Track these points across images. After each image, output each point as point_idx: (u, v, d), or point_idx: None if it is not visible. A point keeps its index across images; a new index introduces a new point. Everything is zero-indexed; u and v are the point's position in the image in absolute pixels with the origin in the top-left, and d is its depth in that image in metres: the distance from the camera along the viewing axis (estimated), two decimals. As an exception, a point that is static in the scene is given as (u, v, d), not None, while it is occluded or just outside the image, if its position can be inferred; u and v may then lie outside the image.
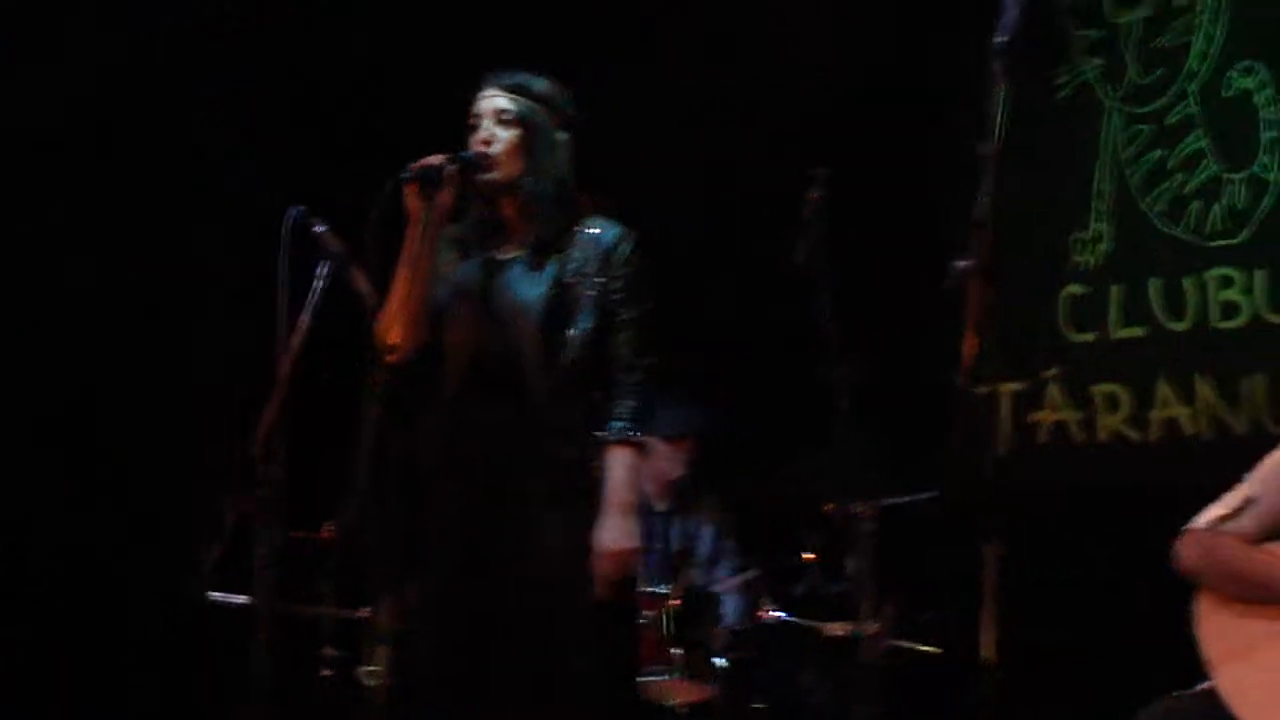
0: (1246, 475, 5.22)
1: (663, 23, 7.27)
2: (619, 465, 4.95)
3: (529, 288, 5.02)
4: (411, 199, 4.92)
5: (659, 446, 6.84)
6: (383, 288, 5.08)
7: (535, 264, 5.05)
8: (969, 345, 4.05)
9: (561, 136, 5.08)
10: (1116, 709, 5.06)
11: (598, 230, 5.07)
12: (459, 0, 7.39)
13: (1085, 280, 6.89)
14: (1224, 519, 5.15)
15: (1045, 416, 6.96)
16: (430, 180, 4.92)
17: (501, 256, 5.08)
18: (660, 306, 5.10)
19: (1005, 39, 4.18)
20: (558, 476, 4.96)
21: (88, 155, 6.93)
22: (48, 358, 6.82)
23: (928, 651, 6.26)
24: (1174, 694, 5.06)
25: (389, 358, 4.94)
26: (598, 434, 4.97)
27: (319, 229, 5.83)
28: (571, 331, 4.98)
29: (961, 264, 4.13)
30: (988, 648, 4.13)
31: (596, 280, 5.01)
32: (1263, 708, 4.92)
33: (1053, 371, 6.91)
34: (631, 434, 4.97)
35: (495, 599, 4.94)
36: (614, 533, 4.90)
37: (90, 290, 6.91)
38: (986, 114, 4.12)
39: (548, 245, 5.04)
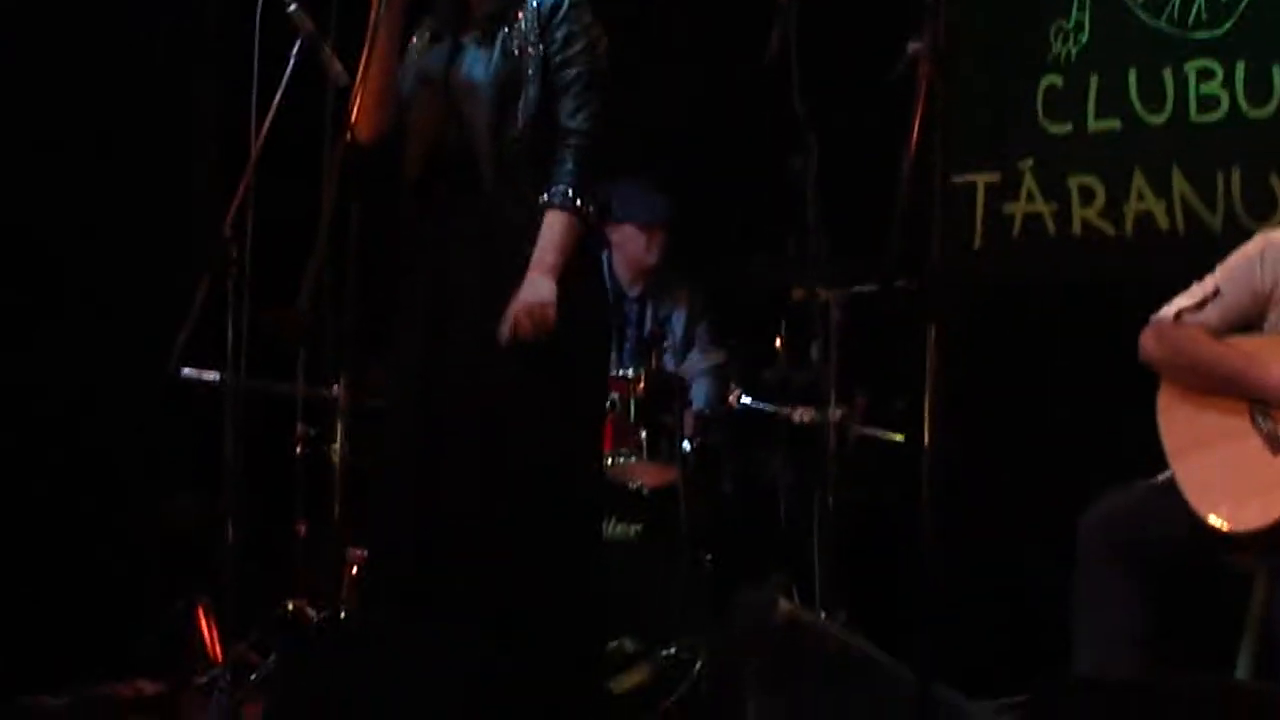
0: (1214, 267, 5.31)
1: None
2: (550, 228, 4.92)
3: (481, 66, 5.00)
4: None
5: (632, 232, 6.86)
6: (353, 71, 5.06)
7: (486, 41, 5.03)
8: (917, 123, 4.07)
9: None
10: (1082, 495, 5.12)
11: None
12: None
13: (1061, 71, 6.85)
14: (1188, 311, 5.20)
15: (1019, 208, 6.94)
16: None
17: (464, 39, 5.05)
18: (635, 95, 5.11)
19: None
20: (497, 250, 4.97)
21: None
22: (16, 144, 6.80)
23: (893, 439, 6.33)
24: (1135, 482, 5.16)
25: (351, 138, 4.92)
26: (542, 197, 4.94)
27: (291, 7, 5.82)
28: (520, 103, 4.96)
29: (913, 47, 4.14)
30: (930, 431, 4.18)
31: (539, 46, 4.97)
32: (1219, 497, 4.99)
33: (1026, 164, 6.91)
34: (569, 199, 4.93)
35: (456, 377, 4.98)
36: (529, 289, 4.88)
37: (66, 70, 6.87)
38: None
39: (498, 19, 5.01)
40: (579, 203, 4.94)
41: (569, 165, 4.94)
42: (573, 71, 4.97)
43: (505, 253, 4.97)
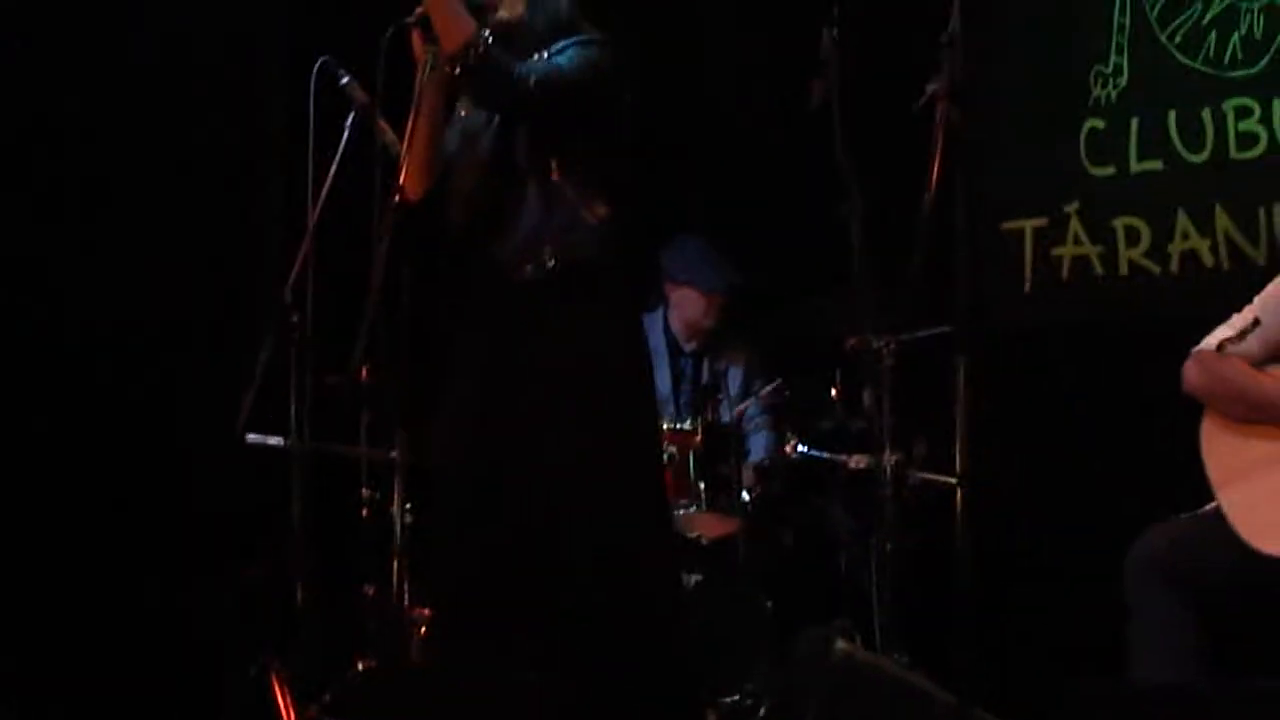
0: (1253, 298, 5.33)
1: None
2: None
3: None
4: (416, 44, 4.95)
5: (692, 295, 6.91)
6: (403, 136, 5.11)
7: None
8: (936, 164, 4.11)
9: None
10: (1131, 528, 5.15)
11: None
12: None
13: (1103, 114, 6.87)
14: (1229, 341, 5.22)
15: (1067, 251, 6.95)
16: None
17: None
18: (692, 160, 5.11)
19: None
20: (539, 303, 4.98)
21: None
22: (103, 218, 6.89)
23: (949, 483, 6.34)
24: (1181, 515, 5.17)
25: (396, 201, 4.98)
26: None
27: (345, 81, 5.91)
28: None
29: (932, 85, 4.17)
30: (962, 465, 4.20)
31: None
32: (1265, 528, 5.00)
33: (1071, 207, 6.92)
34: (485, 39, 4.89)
35: (507, 431, 4.98)
36: None
37: (133, 145, 6.96)
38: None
39: None
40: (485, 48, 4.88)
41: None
42: (570, 54, 4.98)
43: (547, 303, 4.99)
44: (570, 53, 4.97)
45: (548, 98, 4.92)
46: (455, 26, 4.85)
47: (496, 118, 5.06)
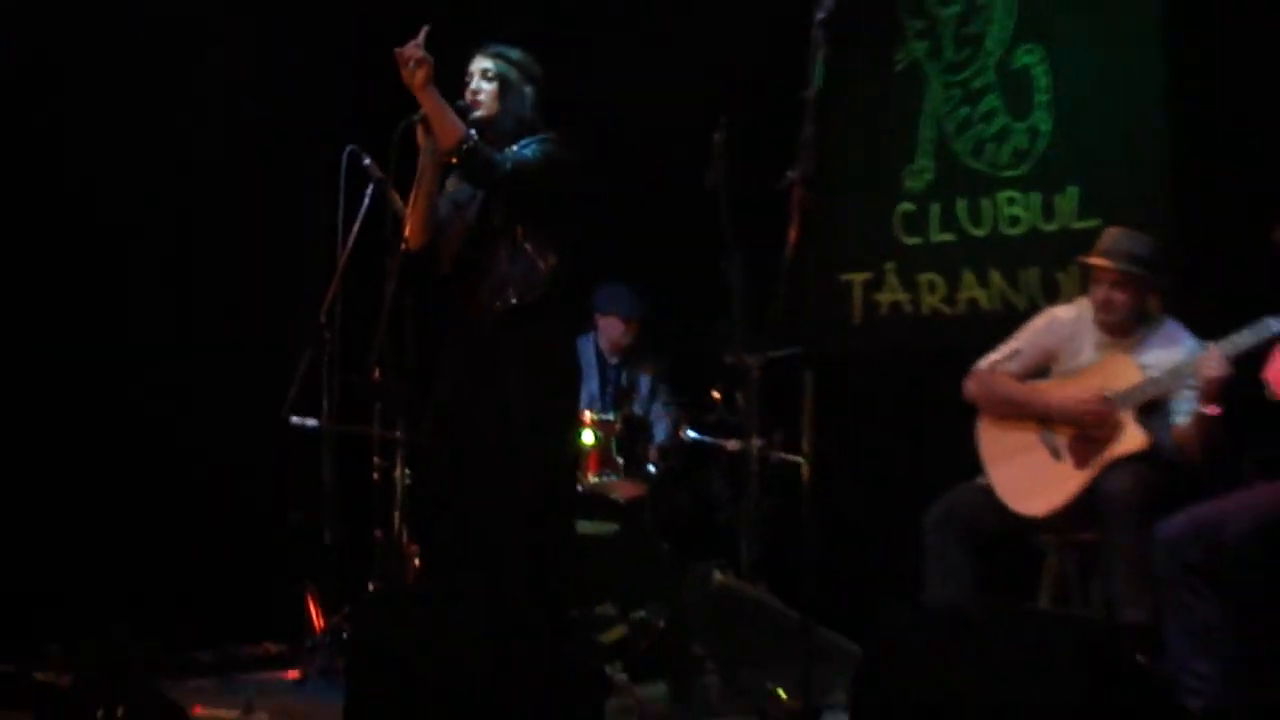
0: (1016, 331, 5.39)
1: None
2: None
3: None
4: (419, 136, 4.96)
5: (615, 322, 6.86)
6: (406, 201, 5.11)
7: None
8: (794, 230, 4.13)
9: (528, 89, 5.07)
10: (924, 494, 5.22)
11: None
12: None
13: (913, 200, 6.86)
14: (998, 363, 5.31)
15: (885, 297, 6.96)
16: None
17: None
18: (615, 222, 5.06)
19: (822, 16, 4.21)
20: (506, 329, 4.96)
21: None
22: (191, 266, 6.89)
23: (798, 461, 6.33)
24: (961, 485, 5.22)
25: (404, 249, 4.99)
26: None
27: (366, 162, 5.93)
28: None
29: (792, 171, 4.18)
30: (807, 450, 4.22)
31: None
32: (1020, 493, 5.10)
33: (889, 265, 6.93)
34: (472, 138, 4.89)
35: (479, 426, 4.98)
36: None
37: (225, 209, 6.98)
38: (809, 68, 4.16)
39: None
40: (474, 144, 4.87)
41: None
42: (534, 148, 4.98)
43: (512, 329, 4.96)
44: (534, 148, 4.98)
45: (518, 181, 4.93)
46: (449, 129, 4.86)
47: (480, 192, 5.05)
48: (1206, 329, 4.95)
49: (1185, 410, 4.89)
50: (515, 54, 5.10)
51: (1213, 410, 4.75)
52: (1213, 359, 4.71)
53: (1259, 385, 4.49)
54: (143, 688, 4.41)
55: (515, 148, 4.98)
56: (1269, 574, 4.02)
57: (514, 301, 4.97)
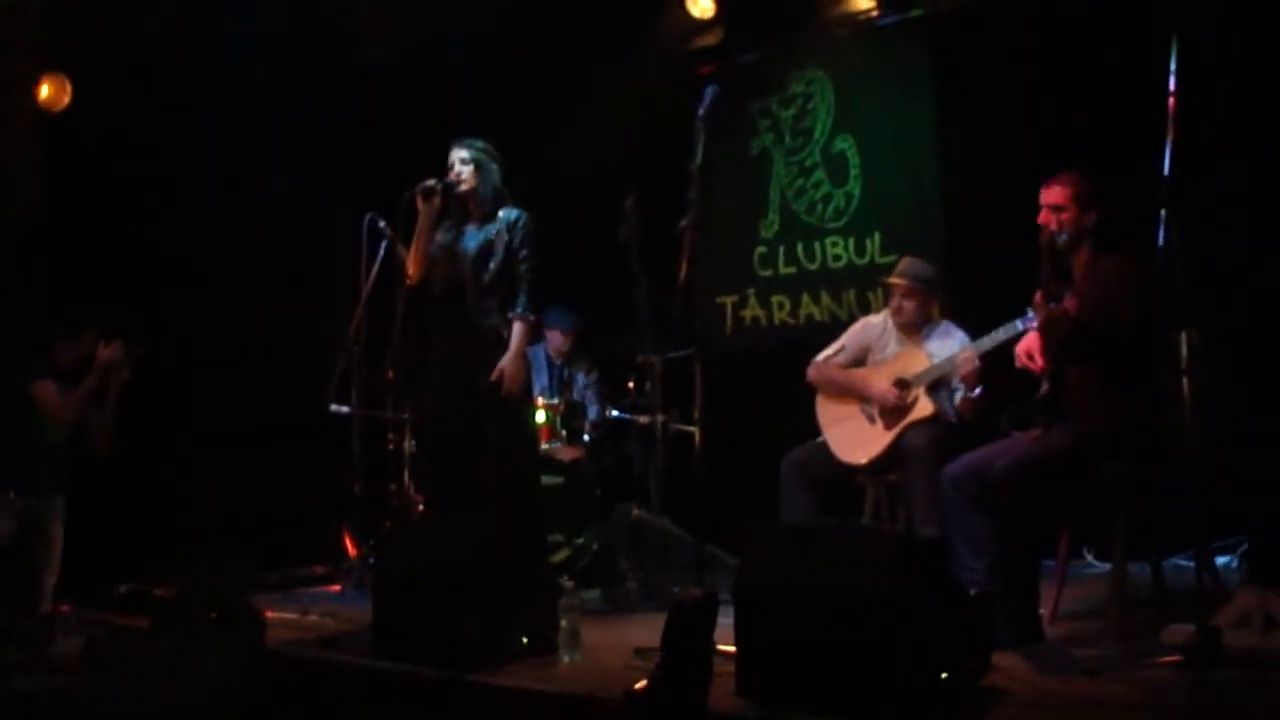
0: (841, 334, 5.40)
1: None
2: (516, 330, 4.87)
3: (472, 243, 4.97)
4: (419, 202, 4.91)
5: (557, 334, 6.74)
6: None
7: (477, 230, 4.99)
8: (684, 265, 4.13)
9: (495, 167, 5.01)
10: (779, 451, 5.17)
11: (506, 213, 4.98)
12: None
13: (766, 244, 6.89)
14: (830, 357, 5.31)
15: (747, 313, 6.96)
16: (428, 192, 4.91)
17: (465, 228, 5.02)
18: (553, 260, 5.03)
19: (702, 113, 4.26)
20: (484, 340, 4.89)
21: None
22: (256, 304, 6.76)
23: (692, 430, 6.30)
24: (805, 442, 5.22)
25: (407, 283, 4.94)
26: (509, 314, 4.89)
27: (381, 224, 5.86)
28: (491, 264, 4.93)
29: (682, 222, 4.19)
30: (699, 424, 4.24)
31: (506, 236, 4.94)
32: (847, 448, 5.09)
33: (750, 290, 6.94)
34: (524, 314, 4.88)
35: (462, 408, 4.88)
36: (509, 363, 4.83)
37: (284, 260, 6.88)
38: (694, 150, 4.20)
39: (483, 221, 5.00)
40: (530, 316, 4.92)
41: (523, 296, 4.89)
42: (524, 251, 4.93)
43: (488, 338, 4.90)
44: (527, 252, 4.93)
45: (538, 276, 4.93)
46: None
47: (476, 254, 4.94)
48: (972, 326, 5.00)
49: (962, 387, 4.92)
50: (481, 143, 5.04)
51: (975, 393, 4.83)
52: (968, 358, 4.78)
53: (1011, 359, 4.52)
54: (233, 598, 4.34)
55: (522, 253, 4.93)
56: (1021, 498, 4.03)
57: (487, 321, 4.93)
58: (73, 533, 5.41)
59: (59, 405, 5.39)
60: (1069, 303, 4.11)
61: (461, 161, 5.00)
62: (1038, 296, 4.15)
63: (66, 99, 6.37)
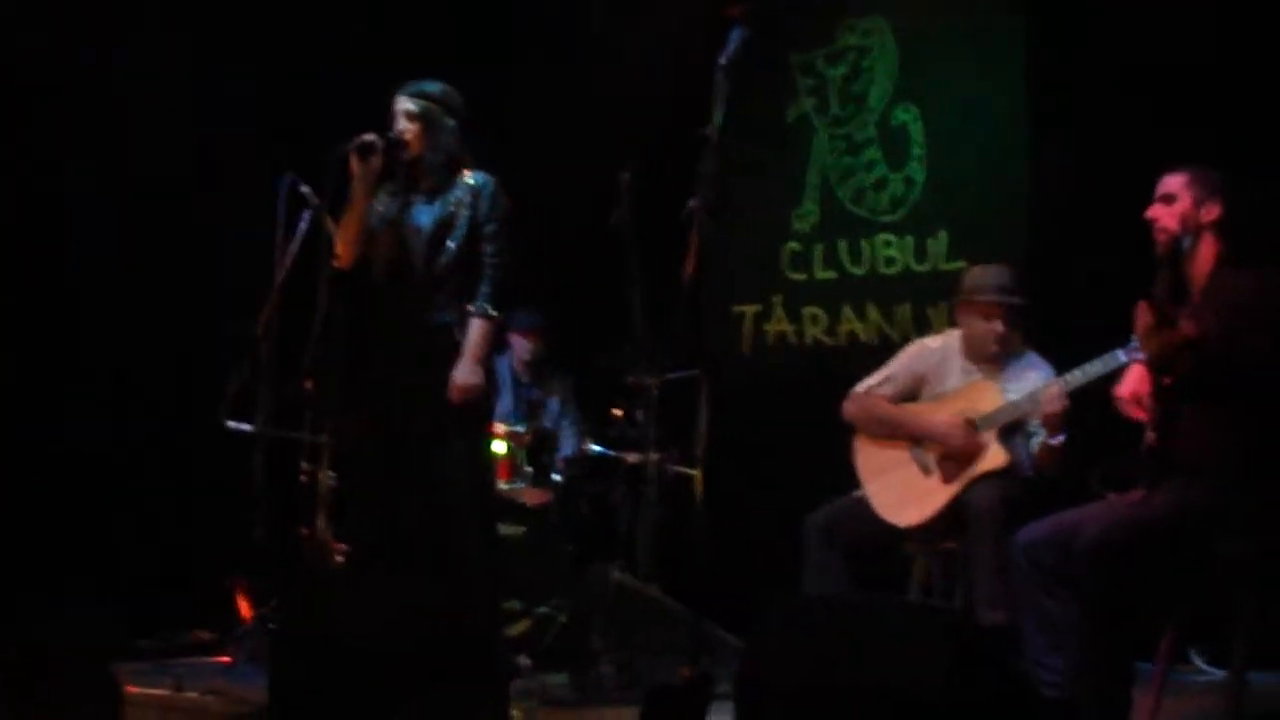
0: (890, 360, 5.40)
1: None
2: (475, 329, 4.89)
3: (424, 217, 4.99)
4: (354, 162, 4.91)
5: (518, 338, 6.78)
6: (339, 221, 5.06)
7: (428, 202, 5.02)
8: (692, 261, 4.07)
9: (450, 123, 5.01)
10: (803, 506, 5.19)
11: (472, 179, 5.01)
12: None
13: (800, 240, 6.91)
14: (873, 387, 5.32)
15: (771, 327, 6.98)
16: (366, 149, 4.91)
17: (410, 198, 5.03)
18: (527, 248, 5.05)
19: (724, 61, 4.18)
20: (435, 342, 4.90)
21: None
22: (137, 282, 6.74)
23: (692, 473, 6.30)
24: (839, 498, 5.21)
25: (336, 265, 4.94)
26: (467, 307, 4.91)
27: (304, 189, 5.82)
28: (450, 244, 4.95)
29: (691, 202, 4.15)
30: (702, 465, 4.19)
31: (469, 209, 4.96)
32: (893, 505, 5.11)
33: (777, 298, 6.96)
34: (486, 310, 4.90)
35: (400, 431, 4.92)
36: (464, 372, 4.86)
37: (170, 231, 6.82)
38: (711, 109, 4.13)
39: (436, 190, 5.01)
40: (494, 313, 4.94)
41: (486, 287, 4.92)
42: (492, 227, 4.96)
43: (439, 339, 4.92)
44: (497, 217, 4.97)
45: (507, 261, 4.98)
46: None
47: (431, 232, 4.98)
48: (1059, 358, 4.99)
49: (1042, 431, 4.92)
50: (435, 89, 5.04)
51: (1057, 440, 4.83)
52: (1053, 395, 4.77)
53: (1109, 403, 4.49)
54: (89, 665, 4.29)
55: (488, 229, 4.96)
56: (1113, 578, 3.99)
57: (440, 316, 4.94)
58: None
59: None
60: (1185, 326, 4.06)
61: (406, 116, 5.00)
62: (1140, 308, 4.08)
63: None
